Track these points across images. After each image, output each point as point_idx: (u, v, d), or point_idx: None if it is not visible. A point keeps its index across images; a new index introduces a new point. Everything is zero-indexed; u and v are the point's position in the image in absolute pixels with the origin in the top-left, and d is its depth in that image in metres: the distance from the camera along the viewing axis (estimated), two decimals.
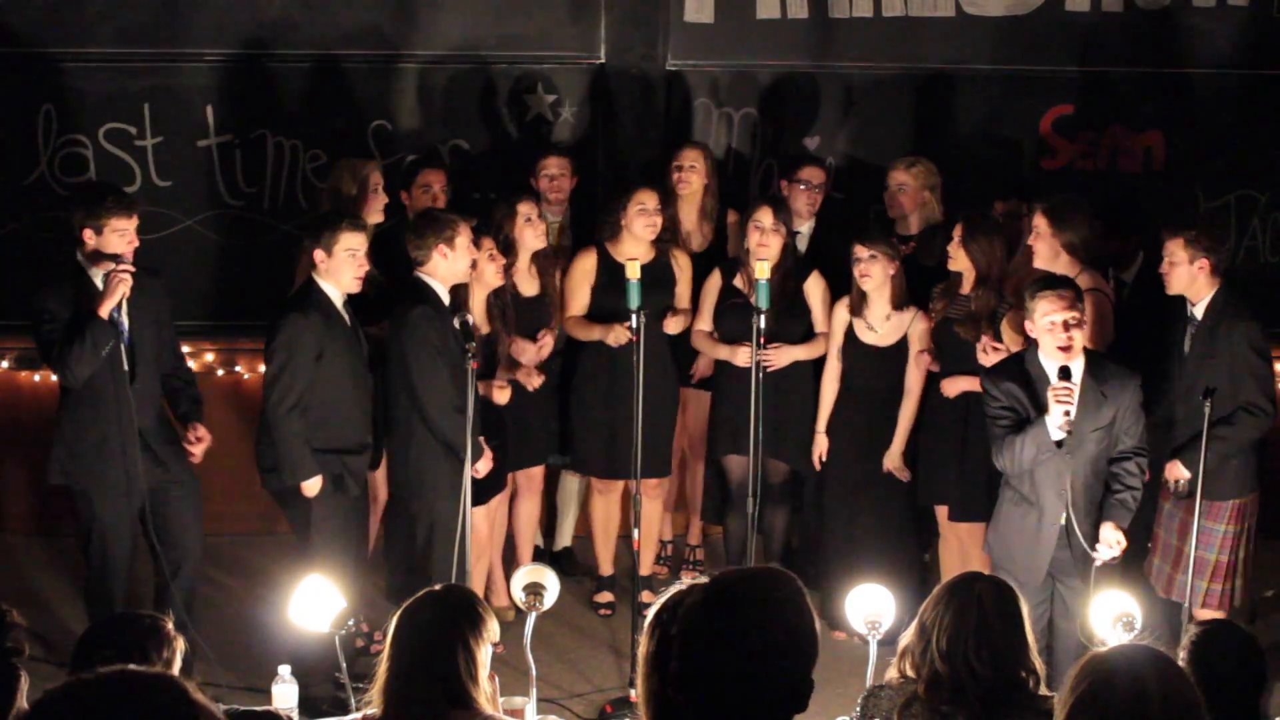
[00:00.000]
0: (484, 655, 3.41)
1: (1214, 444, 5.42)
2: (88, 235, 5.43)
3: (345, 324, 5.57)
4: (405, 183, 6.61)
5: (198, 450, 5.74)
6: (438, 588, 3.55)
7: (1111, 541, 5.23)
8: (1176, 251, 5.56)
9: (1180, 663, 3.43)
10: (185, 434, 5.72)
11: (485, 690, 3.41)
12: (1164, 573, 5.72)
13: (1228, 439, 5.51)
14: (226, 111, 7.14)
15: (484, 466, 5.71)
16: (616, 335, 6.20)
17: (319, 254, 5.49)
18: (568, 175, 6.70)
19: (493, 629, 3.45)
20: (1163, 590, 5.72)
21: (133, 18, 7.02)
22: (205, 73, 7.11)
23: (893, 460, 6.17)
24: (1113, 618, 4.40)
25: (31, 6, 7.00)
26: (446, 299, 5.69)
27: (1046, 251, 5.71)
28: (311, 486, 5.49)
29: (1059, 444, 5.14)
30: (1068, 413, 5.08)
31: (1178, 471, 5.61)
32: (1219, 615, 5.58)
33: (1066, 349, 5.14)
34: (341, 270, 5.49)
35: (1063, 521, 5.25)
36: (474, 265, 5.79)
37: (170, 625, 3.56)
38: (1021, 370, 5.27)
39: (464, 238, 5.66)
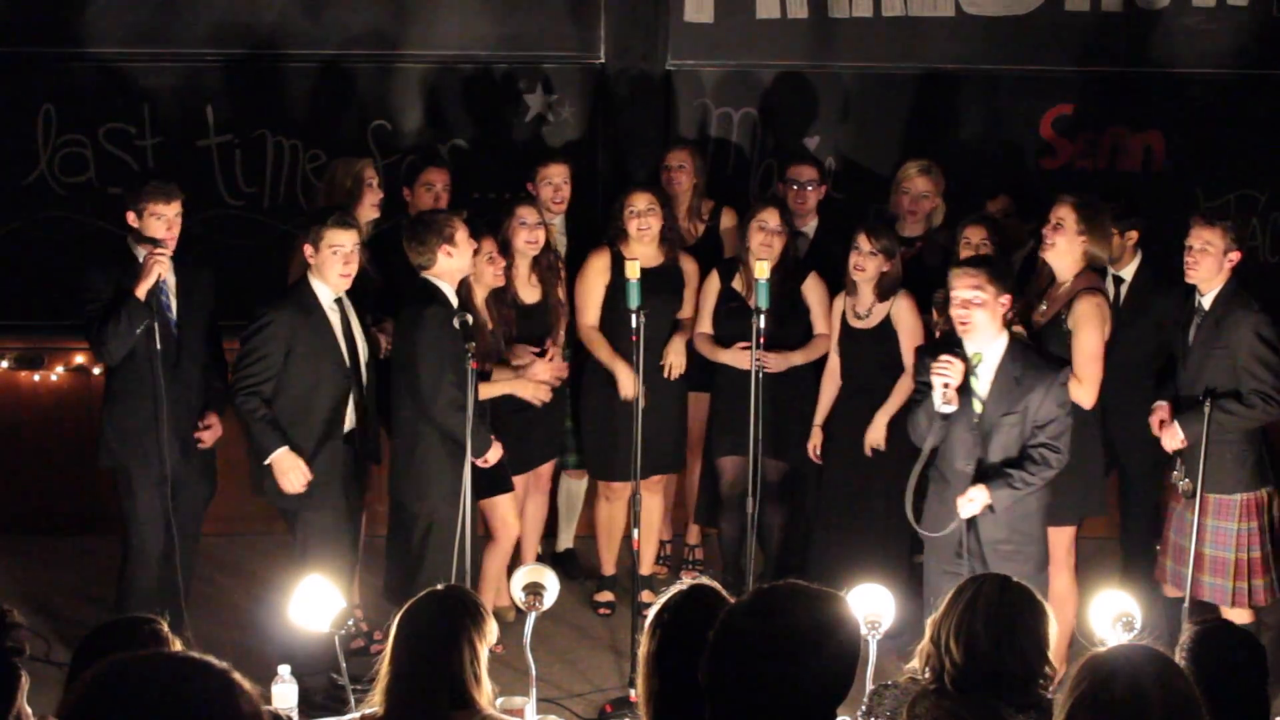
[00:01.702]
0: (485, 652, 3.41)
1: (1222, 417, 5.44)
2: (131, 218, 5.62)
3: (328, 323, 5.57)
4: (408, 180, 6.61)
5: (206, 437, 5.85)
6: (440, 587, 3.55)
7: (972, 497, 5.20)
8: (1214, 240, 5.51)
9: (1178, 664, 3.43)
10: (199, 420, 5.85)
11: (487, 690, 3.40)
12: (1178, 574, 5.67)
13: (1236, 414, 5.47)
14: (226, 111, 7.14)
15: (494, 455, 5.72)
16: (626, 388, 6.18)
17: (308, 249, 5.53)
18: (569, 182, 6.66)
19: (493, 629, 3.45)
20: (1192, 592, 5.57)
21: (133, 18, 7.03)
22: (205, 73, 7.12)
23: (874, 434, 6.12)
24: (1113, 618, 4.40)
25: (31, 6, 7.01)
26: (454, 299, 5.69)
27: (1065, 246, 5.67)
28: (280, 458, 5.50)
29: (945, 416, 5.22)
30: (946, 385, 5.17)
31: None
32: (1245, 614, 5.56)
33: (964, 325, 5.20)
34: (326, 267, 5.51)
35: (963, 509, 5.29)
36: (475, 254, 5.79)
37: (166, 627, 3.55)
38: (949, 348, 5.31)
39: (462, 232, 5.67)
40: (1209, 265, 5.55)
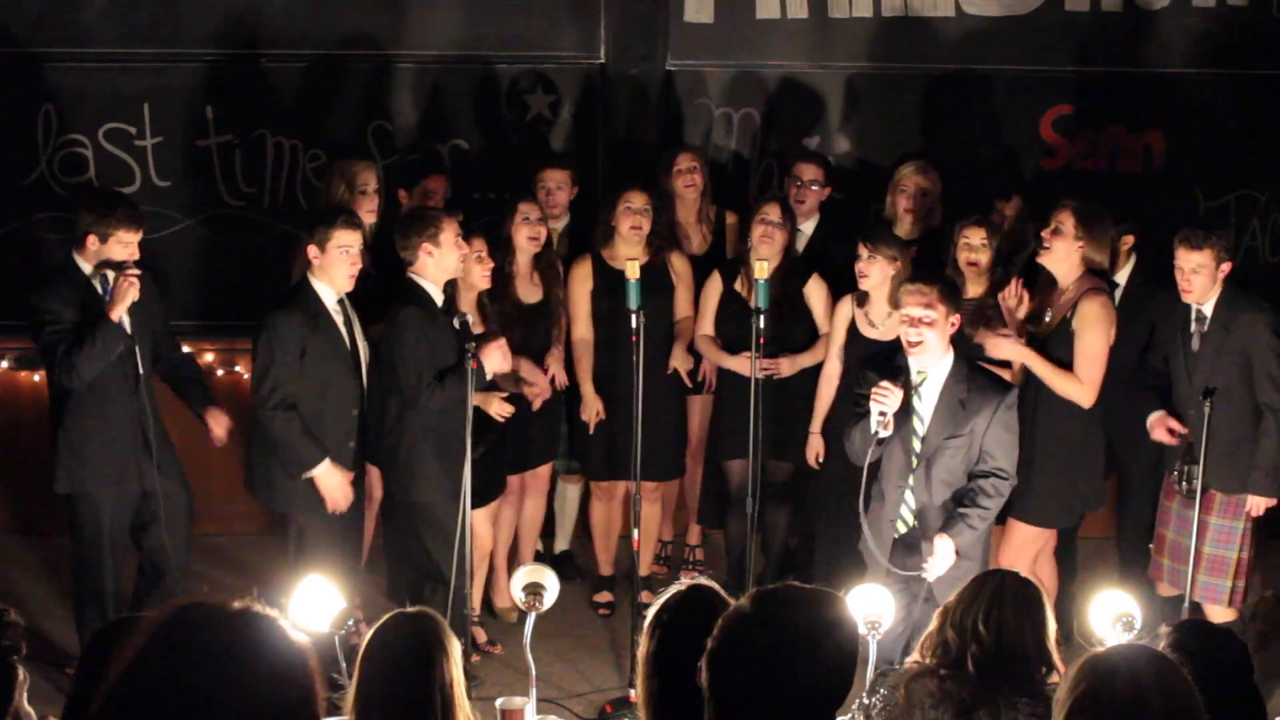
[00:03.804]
0: (460, 681, 3.29)
1: (1246, 458, 5.47)
2: (91, 241, 5.48)
3: (335, 325, 5.55)
4: (406, 182, 6.60)
5: (221, 432, 5.80)
6: (409, 610, 3.43)
7: (942, 553, 5.10)
8: (1206, 261, 5.50)
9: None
10: (204, 421, 5.80)
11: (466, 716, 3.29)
12: (1175, 571, 5.66)
13: (1266, 451, 5.49)
14: (226, 111, 7.14)
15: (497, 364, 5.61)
16: (586, 410, 6.32)
17: (313, 249, 5.48)
18: (565, 188, 6.64)
19: (458, 653, 3.34)
20: (1183, 590, 5.58)
21: (133, 18, 7.03)
22: (205, 73, 7.12)
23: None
24: (1112, 618, 4.39)
25: (31, 6, 7.00)
26: (439, 298, 5.68)
27: (1063, 250, 5.66)
28: (323, 474, 5.47)
29: (881, 440, 5.16)
30: (882, 413, 5.11)
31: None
32: (1231, 613, 5.57)
33: (914, 345, 5.15)
34: (335, 267, 5.48)
35: (905, 524, 5.24)
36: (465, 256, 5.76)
37: None
38: (889, 363, 5.28)
39: (449, 233, 5.62)
40: (1203, 284, 5.56)
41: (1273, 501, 5.59)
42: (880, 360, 5.34)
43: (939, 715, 3.64)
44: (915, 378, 5.21)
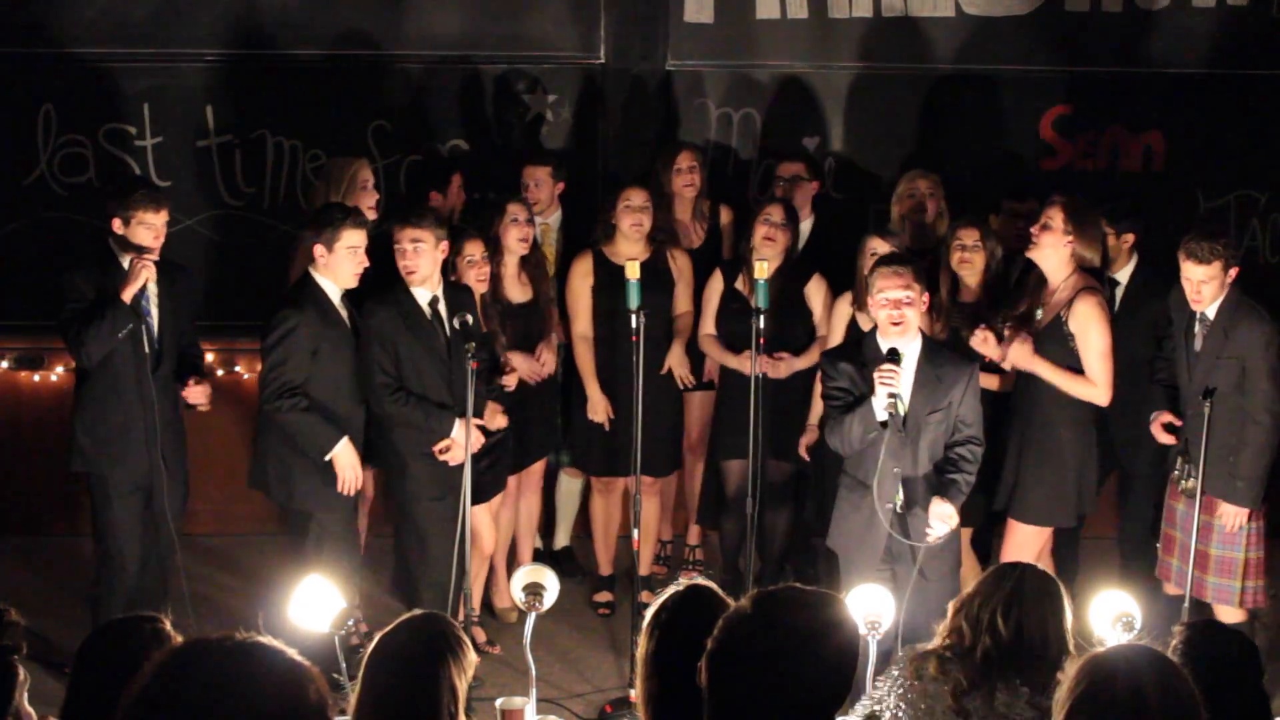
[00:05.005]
0: (465, 689, 3.22)
1: (1232, 467, 5.47)
2: (116, 224, 5.59)
3: (342, 320, 5.57)
4: (438, 184, 6.60)
5: (198, 395, 5.75)
6: (417, 613, 3.35)
7: (944, 515, 5.19)
8: (1214, 273, 5.50)
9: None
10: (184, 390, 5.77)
11: None
12: (1183, 573, 5.65)
13: (1247, 462, 5.50)
14: (226, 111, 7.14)
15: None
16: (595, 410, 6.34)
17: (319, 249, 5.49)
18: (546, 184, 6.64)
19: (473, 661, 3.27)
20: (1192, 591, 5.56)
21: (133, 18, 7.03)
22: (205, 73, 7.12)
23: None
24: (1113, 618, 4.39)
25: (31, 6, 7.01)
26: (422, 297, 5.65)
27: (1052, 246, 5.67)
28: (341, 452, 5.49)
29: (884, 424, 5.18)
30: (892, 394, 5.15)
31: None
32: (1240, 614, 5.57)
33: (898, 325, 5.20)
34: (341, 266, 5.49)
35: (896, 507, 5.27)
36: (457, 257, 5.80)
37: (169, 626, 3.54)
38: (859, 352, 5.33)
39: (404, 242, 5.59)
40: (1213, 293, 5.56)
41: (1245, 513, 5.57)
42: (848, 352, 5.40)
43: (937, 689, 3.75)
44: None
